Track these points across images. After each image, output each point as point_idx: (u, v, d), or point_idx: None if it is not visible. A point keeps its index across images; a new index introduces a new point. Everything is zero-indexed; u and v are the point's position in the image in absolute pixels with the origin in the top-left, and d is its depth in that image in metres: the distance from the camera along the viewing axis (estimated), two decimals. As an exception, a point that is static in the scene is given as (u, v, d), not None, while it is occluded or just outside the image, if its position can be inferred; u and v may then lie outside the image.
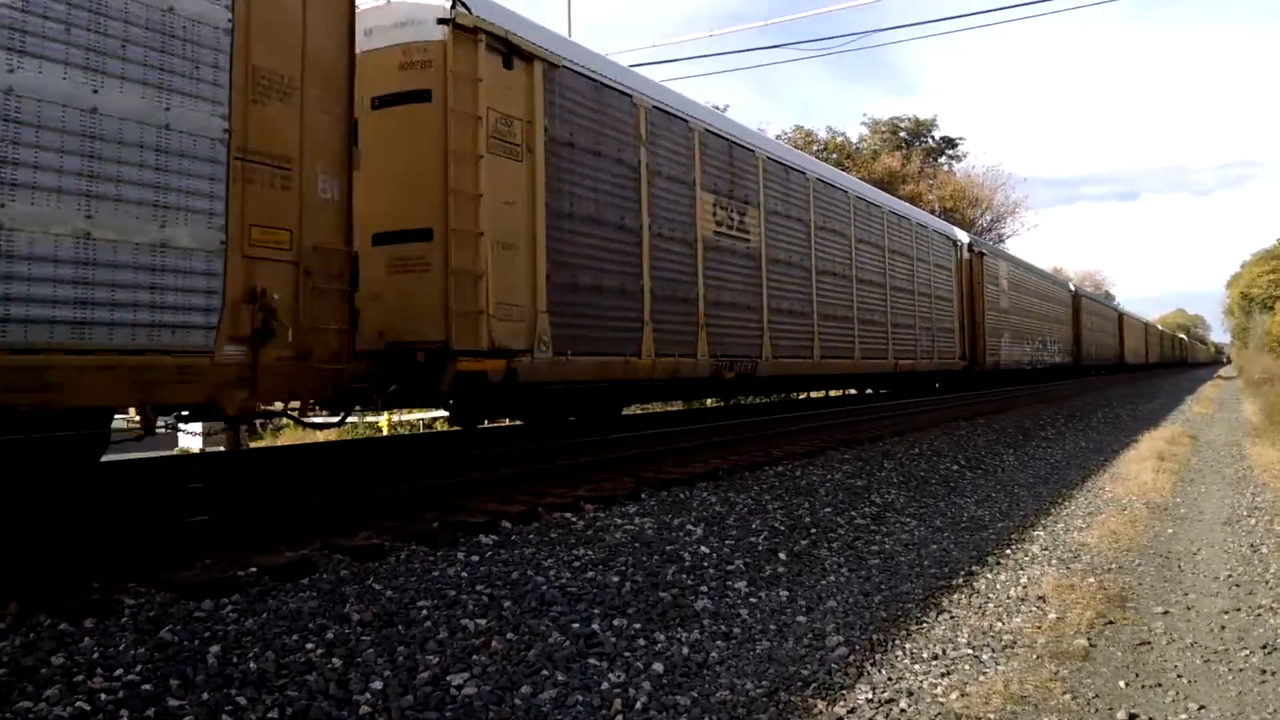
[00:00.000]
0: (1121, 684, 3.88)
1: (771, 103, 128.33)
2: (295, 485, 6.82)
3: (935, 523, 7.35)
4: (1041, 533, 7.04)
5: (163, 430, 5.79)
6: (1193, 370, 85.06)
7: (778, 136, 40.17)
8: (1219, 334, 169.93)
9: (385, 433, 22.78)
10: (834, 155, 46.03)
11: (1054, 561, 6.07)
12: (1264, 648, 4.32)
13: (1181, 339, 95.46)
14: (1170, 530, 7.25)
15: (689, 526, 6.26)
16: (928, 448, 11.41)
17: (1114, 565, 6.00)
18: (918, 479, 9.19)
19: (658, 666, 3.91)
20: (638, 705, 3.53)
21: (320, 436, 22.75)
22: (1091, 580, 5.52)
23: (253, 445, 18.95)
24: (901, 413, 15.83)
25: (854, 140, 53.07)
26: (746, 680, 3.86)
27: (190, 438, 20.76)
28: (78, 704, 2.98)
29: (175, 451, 17.85)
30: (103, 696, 3.05)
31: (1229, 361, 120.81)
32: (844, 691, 3.75)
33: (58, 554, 4.46)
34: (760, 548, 5.97)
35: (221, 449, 16.85)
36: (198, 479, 6.97)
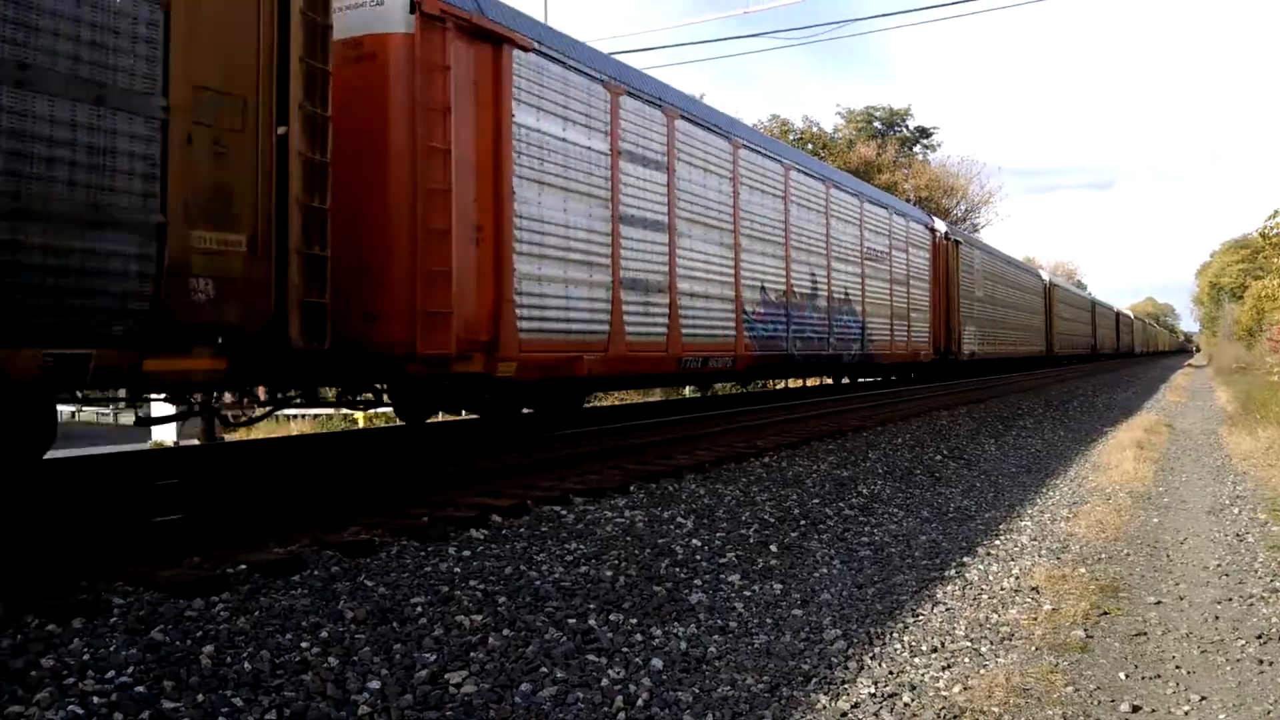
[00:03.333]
0: (1122, 675, 3.88)
1: (746, 90, 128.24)
2: (277, 479, 6.73)
3: (923, 513, 7.35)
4: (1029, 523, 7.05)
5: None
6: (1163, 359, 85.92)
7: (754, 125, 40.11)
8: (1188, 323, 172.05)
9: (361, 424, 22.61)
10: (810, 145, 46.09)
11: (1044, 552, 6.08)
12: (1259, 637, 4.33)
13: (1138, 322, 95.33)
14: (1155, 519, 7.29)
15: (679, 519, 6.22)
16: (910, 438, 11.44)
17: (1103, 555, 6.02)
18: (903, 469, 9.20)
19: (657, 662, 3.87)
20: (639, 702, 3.48)
21: (294, 429, 22.54)
22: (1083, 570, 5.53)
23: (227, 438, 18.75)
24: (881, 403, 15.88)
25: (829, 130, 53.17)
26: (747, 675, 3.82)
27: (164, 431, 20.47)
28: (70, 708, 2.90)
29: (148, 445, 17.63)
30: (95, 699, 2.97)
31: (1198, 350, 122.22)
32: (846, 686, 3.72)
33: (39, 553, 4.35)
34: (751, 540, 5.94)
35: (196, 442, 16.66)
36: (173, 474, 6.84)
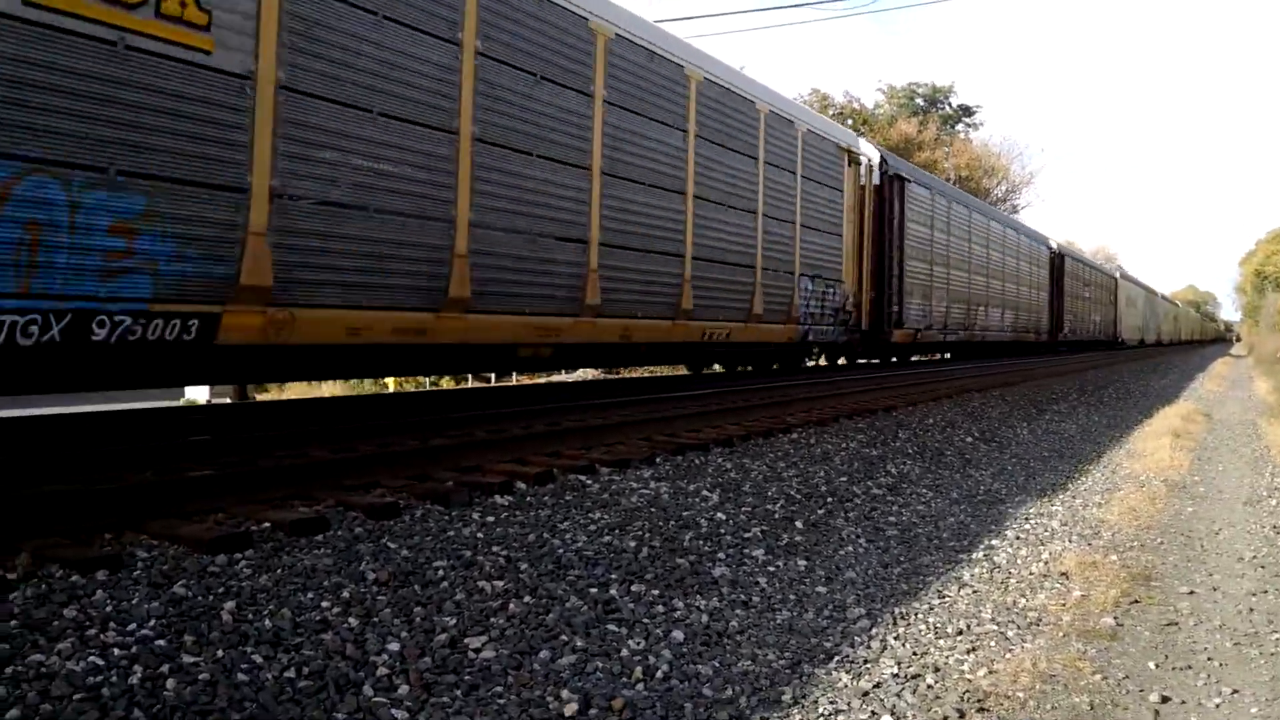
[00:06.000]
0: (1151, 665, 3.81)
1: (786, 62, 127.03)
2: (306, 439, 6.74)
3: (952, 494, 7.27)
4: (1060, 508, 6.95)
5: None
6: (1201, 348, 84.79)
7: (795, 99, 39.76)
8: (1229, 311, 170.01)
9: (391, 389, 22.71)
10: (850, 120, 45.57)
11: (1074, 538, 5.99)
12: (1294, 632, 4.24)
13: (1182, 310, 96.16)
14: (1190, 509, 7.16)
15: (705, 492, 6.18)
16: (941, 419, 11.32)
17: (1135, 543, 5.92)
18: (933, 450, 9.10)
19: (678, 634, 3.84)
20: (658, 674, 3.46)
21: (325, 390, 22.63)
22: (1114, 558, 5.44)
23: (259, 398, 18.88)
24: (915, 383, 15.73)
25: (870, 106, 52.53)
26: (768, 650, 3.79)
27: (197, 389, 20.67)
28: (90, 658, 2.91)
29: (181, 402, 17.83)
30: (116, 651, 2.98)
31: (1239, 339, 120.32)
32: (868, 665, 3.68)
33: (64, 504, 4.36)
34: (777, 515, 5.89)
35: (228, 400, 16.81)
36: (205, 431, 6.92)
